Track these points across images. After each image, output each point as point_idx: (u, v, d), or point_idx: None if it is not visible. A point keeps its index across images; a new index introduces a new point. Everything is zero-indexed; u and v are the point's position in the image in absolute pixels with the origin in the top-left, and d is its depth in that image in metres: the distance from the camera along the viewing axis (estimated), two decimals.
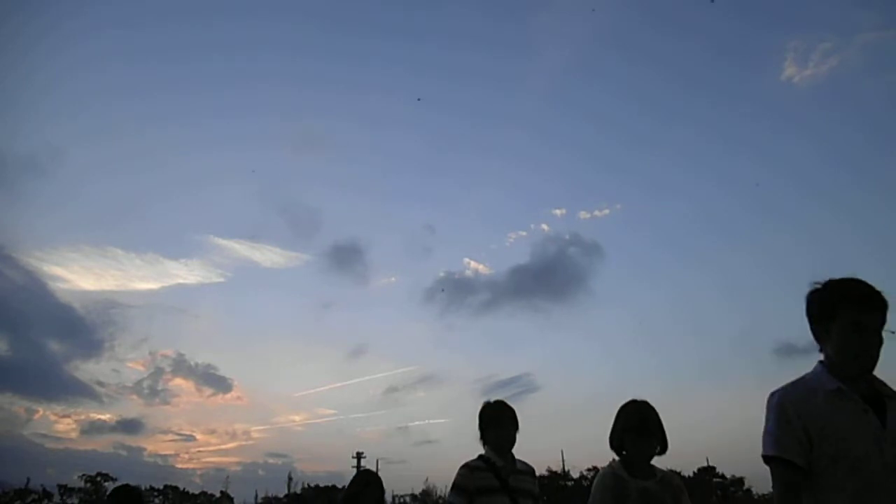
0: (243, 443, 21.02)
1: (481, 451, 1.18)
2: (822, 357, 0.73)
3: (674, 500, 0.96)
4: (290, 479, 14.58)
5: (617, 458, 1.00)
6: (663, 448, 1.00)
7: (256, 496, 14.72)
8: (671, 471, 1.01)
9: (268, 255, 23.96)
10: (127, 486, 1.46)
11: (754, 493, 14.61)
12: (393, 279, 25.07)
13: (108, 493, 1.48)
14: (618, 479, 0.96)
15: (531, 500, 1.14)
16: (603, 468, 1.01)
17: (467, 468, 1.13)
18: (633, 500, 0.94)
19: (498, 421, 1.16)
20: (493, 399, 1.20)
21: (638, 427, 0.98)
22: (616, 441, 1.01)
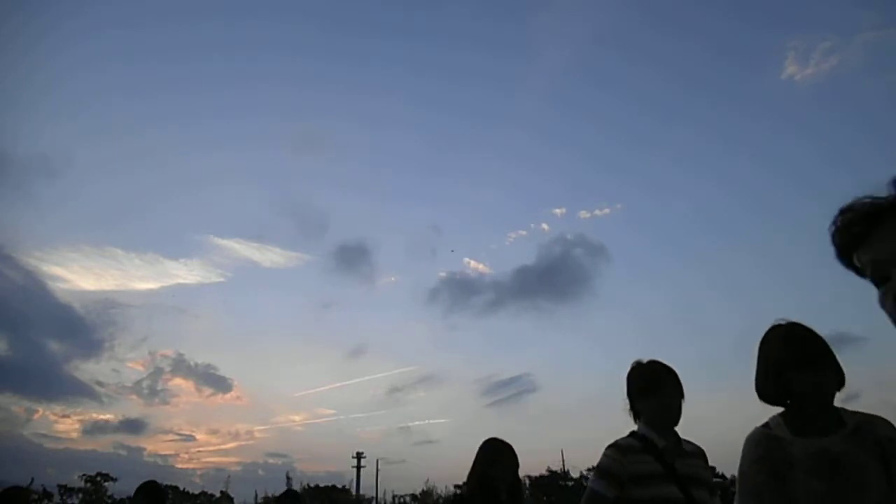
0: (243, 443, 21.02)
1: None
2: None
3: (882, 459, 0.60)
4: (288, 478, 14.59)
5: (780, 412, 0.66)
6: (840, 383, 0.64)
7: (256, 496, 14.72)
8: (877, 416, 0.64)
9: (268, 255, 23.99)
10: (153, 481, 1.48)
11: None
12: (393, 279, 25.09)
13: (137, 487, 1.50)
14: (772, 442, 0.63)
15: (706, 490, 0.84)
16: (754, 428, 0.67)
17: (617, 449, 0.86)
18: (803, 469, 0.61)
19: (657, 386, 0.87)
20: (645, 359, 0.90)
21: (802, 355, 0.63)
22: (770, 385, 0.66)
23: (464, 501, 1.09)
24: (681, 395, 0.88)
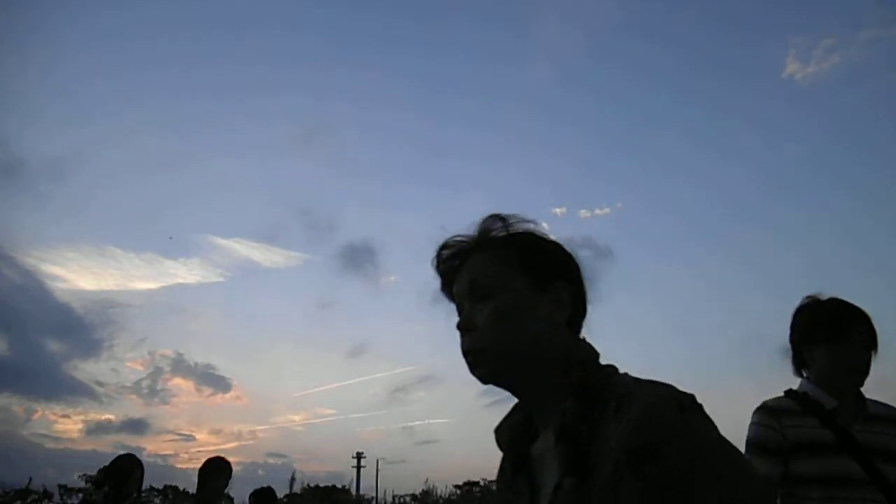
0: (243, 443, 21.02)
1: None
2: None
3: None
4: (293, 479, 14.59)
5: None
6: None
7: None
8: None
9: (268, 255, 23.95)
10: (269, 488, 1.53)
11: None
12: (392, 278, 25.08)
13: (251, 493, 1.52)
14: None
15: None
16: None
17: (768, 412, 0.66)
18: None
19: (842, 330, 0.65)
20: (815, 295, 0.69)
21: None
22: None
23: None
24: (873, 345, 0.66)
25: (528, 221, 0.34)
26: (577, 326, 0.33)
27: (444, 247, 0.35)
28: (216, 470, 1.32)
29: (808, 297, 0.70)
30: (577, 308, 0.32)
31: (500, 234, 0.34)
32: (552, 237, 0.34)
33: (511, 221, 0.34)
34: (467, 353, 0.32)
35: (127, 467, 1.21)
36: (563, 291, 0.32)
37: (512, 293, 0.31)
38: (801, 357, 0.69)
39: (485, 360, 0.31)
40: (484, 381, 0.32)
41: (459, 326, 0.32)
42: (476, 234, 0.34)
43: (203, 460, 1.34)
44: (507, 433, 0.34)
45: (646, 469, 0.24)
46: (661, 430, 0.24)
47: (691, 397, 0.26)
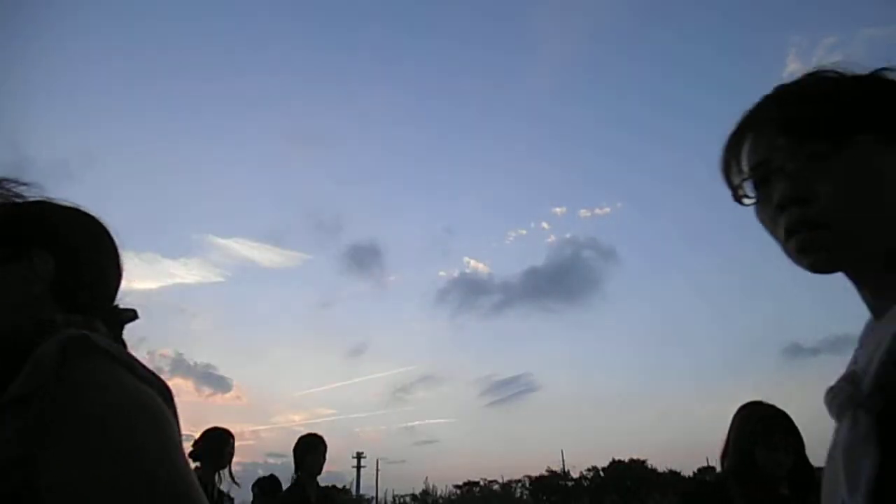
0: (243, 443, 21.04)
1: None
2: None
3: None
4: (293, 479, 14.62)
5: None
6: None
7: None
8: None
9: (267, 255, 24.01)
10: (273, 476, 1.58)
11: None
12: (392, 278, 25.11)
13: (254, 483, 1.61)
14: None
15: None
16: None
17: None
18: None
19: None
20: None
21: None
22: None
23: (716, 492, 0.72)
24: None
25: (21, 184, 0.30)
26: (81, 298, 0.29)
27: None
28: (309, 446, 1.42)
29: None
30: (68, 277, 0.29)
31: None
32: (53, 200, 0.31)
33: None
34: None
35: (220, 439, 1.26)
36: (39, 261, 0.28)
37: None
38: None
39: None
40: None
41: None
42: None
43: None
44: None
45: (14, 422, 0.21)
46: (36, 379, 0.21)
47: (85, 342, 0.23)
